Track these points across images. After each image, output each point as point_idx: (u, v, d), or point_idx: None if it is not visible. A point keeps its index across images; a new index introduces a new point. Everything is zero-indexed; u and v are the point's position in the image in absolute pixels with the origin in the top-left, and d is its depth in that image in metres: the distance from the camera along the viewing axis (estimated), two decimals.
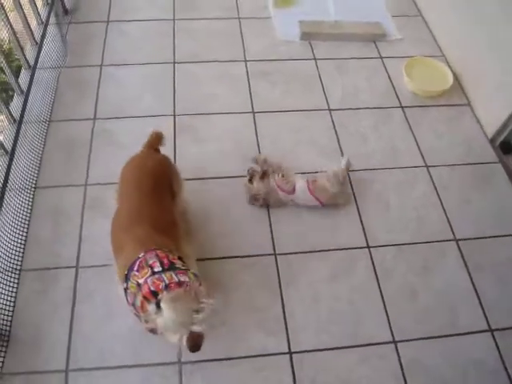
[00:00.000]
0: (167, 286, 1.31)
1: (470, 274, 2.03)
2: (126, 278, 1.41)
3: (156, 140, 1.84)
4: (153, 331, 1.43)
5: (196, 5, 3.08)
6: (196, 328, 1.31)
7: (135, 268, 1.39)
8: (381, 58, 2.86)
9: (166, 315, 1.28)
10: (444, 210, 2.22)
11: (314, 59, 2.81)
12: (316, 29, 2.90)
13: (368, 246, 2.07)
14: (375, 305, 1.92)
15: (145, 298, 1.33)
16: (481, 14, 2.55)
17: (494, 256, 2.10)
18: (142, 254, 1.41)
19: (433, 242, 2.12)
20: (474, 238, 2.14)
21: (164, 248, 1.46)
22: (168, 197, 1.71)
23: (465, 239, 2.13)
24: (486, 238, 2.15)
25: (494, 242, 2.14)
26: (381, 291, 1.95)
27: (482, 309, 1.94)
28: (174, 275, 1.34)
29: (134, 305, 1.40)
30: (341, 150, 2.39)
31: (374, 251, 2.06)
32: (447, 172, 2.37)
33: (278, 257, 2.01)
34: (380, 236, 2.11)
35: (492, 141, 2.51)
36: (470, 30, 2.66)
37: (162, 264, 1.37)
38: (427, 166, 2.38)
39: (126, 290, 1.42)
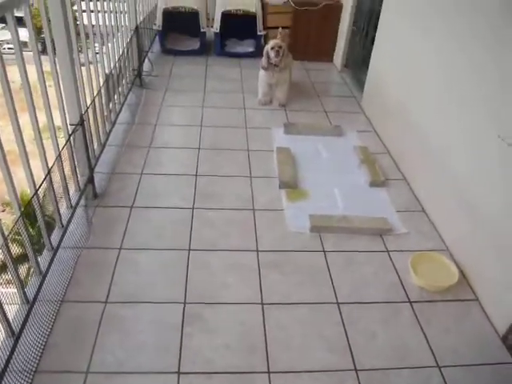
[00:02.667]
0: None
1: None
2: None
3: None
4: None
5: (215, 195, 3.34)
6: None
7: None
8: (387, 251, 2.97)
9: None
10: None
11: (323, 251, 2.93)
12: (325, 222, 3.08)
13: None
14: None
15: None
16: (482, 212, 2.71)
17: None
18: None
19: None
20: None
21: None
22: None
23: None
24: None
25: None
26: None
27: None
28: None
29: None
30: (349, 347, 2.34)
31: None
32: (461, 373, 2.27)
33: None
34: None
35: (504, 339, 2.45)
36: (472, 228, 2.80)
37: None
38: (439, 367, 2.29)
39: None
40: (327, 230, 3.07)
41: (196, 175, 3.56)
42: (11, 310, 2.24)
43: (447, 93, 3.17)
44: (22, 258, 3.13)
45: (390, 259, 2.91)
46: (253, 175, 3.62)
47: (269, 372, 2.20)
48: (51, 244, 2.63)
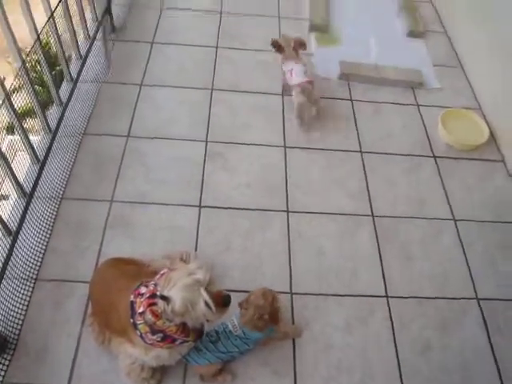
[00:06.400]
0: (155, 284, 1.42)
1: (489, 336, 1.95)
2: (135, 325, 1.45)
3: None
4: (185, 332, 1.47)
5: (240, 35, 3.13)
6: (210, 288, 1.38)
7: (136, 310, 1.45)
8: (417, 105, 2.85)
9: (176, 295, 1.34)
10: (468, 267, 2.15)
11: (351, 100, 2.81)
12: (355, 70, 2.92)
13: (387, 296, 2.02)
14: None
15: (150, 306, 1.40)
16: None
17: None
18: (132, 297, 1.48)
19: (454, 298, 2.05)
20: (497, 299, 2.07)
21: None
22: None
23: (487, 299, 2.06)
24: (509, 300, 2.07)
25: None
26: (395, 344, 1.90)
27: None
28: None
29: (154, 333, 1.44)
30: (368, 194, 2.36)
31: (392, 301, 2.01)
32: (475, 228, 2.31)
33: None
34: (400, 287, 2.06)
35: None
36: (509, 87, 2.63)
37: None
38: (455, 220, 2.33)
39: (141, 336, 1.46)
40: (357, 79, 2.91)
41: (220, 12, 3.29)
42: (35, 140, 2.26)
43: None
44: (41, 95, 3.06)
45: (420, 114, 2.80)
46: (281, 15, 3.34)
47: (288, 211, 2.25)
48: (70, 74, 2.54)
